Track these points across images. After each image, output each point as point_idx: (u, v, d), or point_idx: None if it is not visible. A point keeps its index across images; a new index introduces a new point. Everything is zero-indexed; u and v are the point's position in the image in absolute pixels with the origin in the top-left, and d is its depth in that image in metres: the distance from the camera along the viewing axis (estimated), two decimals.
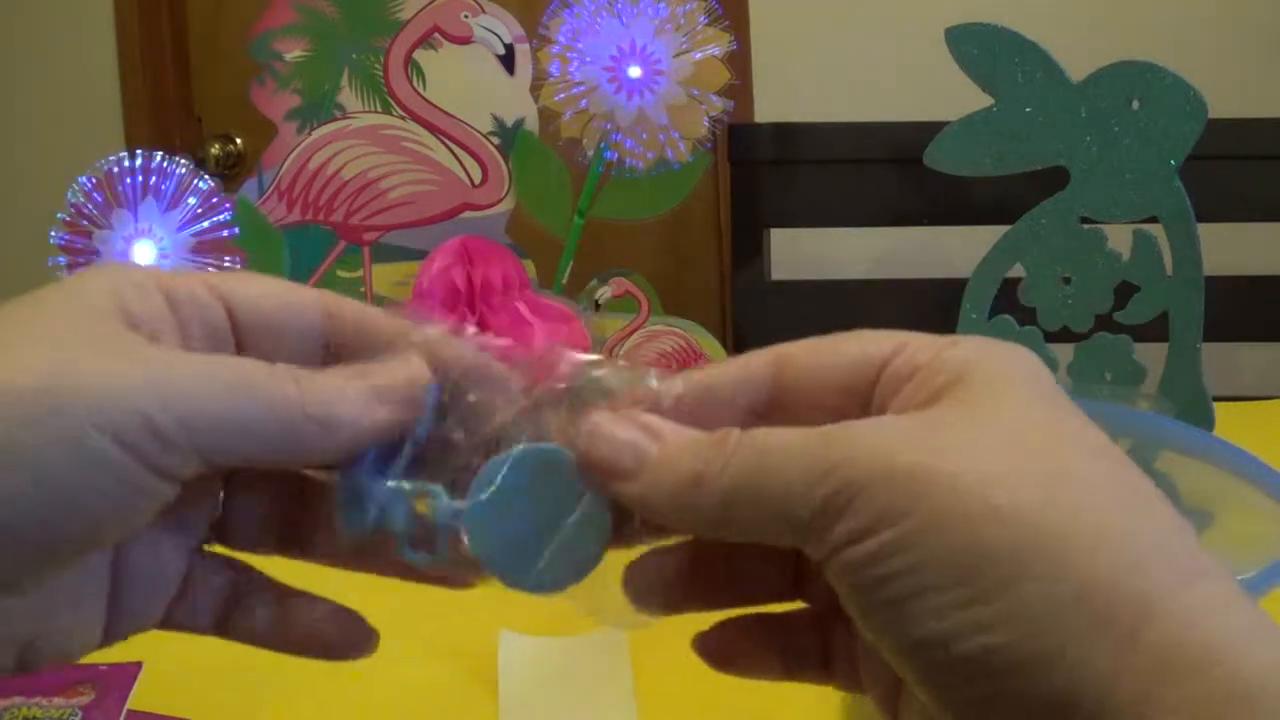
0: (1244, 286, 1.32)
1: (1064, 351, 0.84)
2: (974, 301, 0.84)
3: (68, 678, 0.67)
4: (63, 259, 0.93)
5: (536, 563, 0.32)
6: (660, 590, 0.33)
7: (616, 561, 0.33)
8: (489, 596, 0.34)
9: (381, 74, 1.01)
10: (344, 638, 0.34)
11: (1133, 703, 0.25)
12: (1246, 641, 0.25)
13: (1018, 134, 0.81)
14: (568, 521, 0.32)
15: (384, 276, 1.03)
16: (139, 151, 0.95)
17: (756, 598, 0.34)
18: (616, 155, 0.99)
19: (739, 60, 1.66)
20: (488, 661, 0.67)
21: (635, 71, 0.97)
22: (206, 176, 0.96)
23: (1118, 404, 0.78)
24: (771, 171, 1.43)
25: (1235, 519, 0.62)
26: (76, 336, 0.29)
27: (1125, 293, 0.81)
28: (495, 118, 1.02)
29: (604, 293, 1.01)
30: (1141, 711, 0.25)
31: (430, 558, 0.32)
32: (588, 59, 0.97)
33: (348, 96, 1.01)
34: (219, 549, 0.34)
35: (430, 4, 1.00)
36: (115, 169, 0.93)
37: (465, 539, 0.32)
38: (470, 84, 1.02)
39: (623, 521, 0.32)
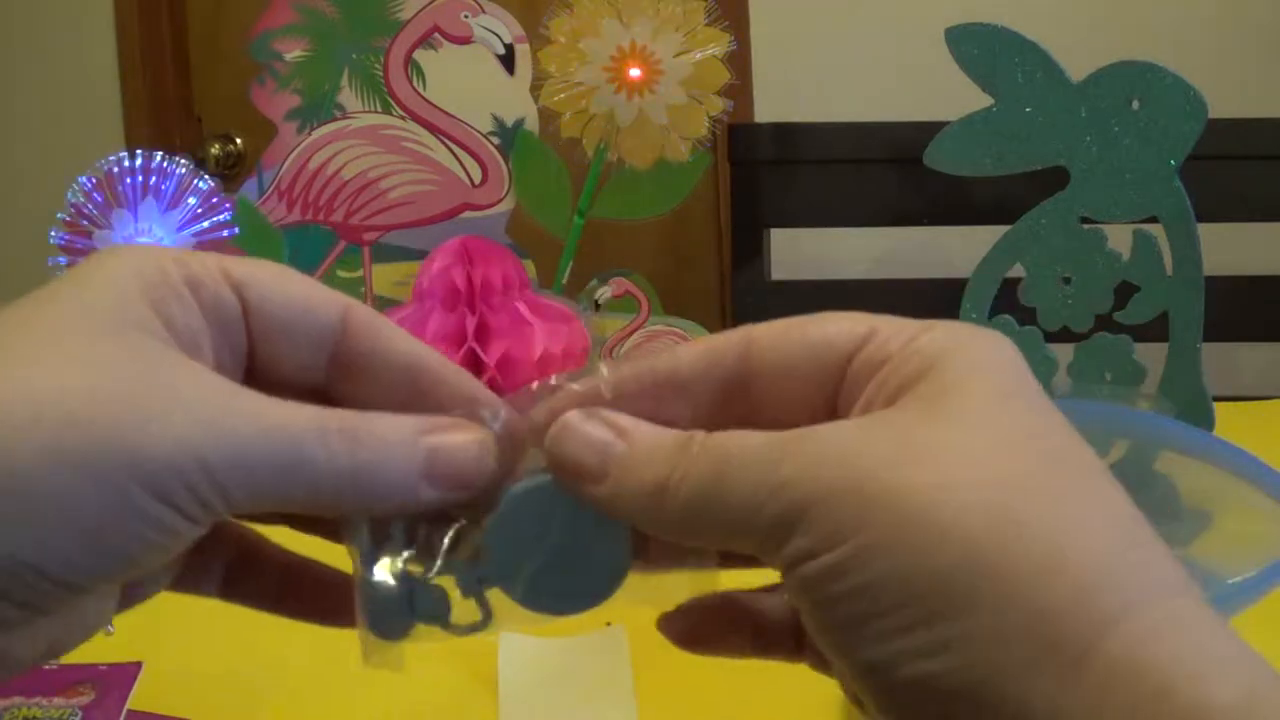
0: (1244, 286, 1.32)
1: (1064, 351, 0.84)
2: (974, 301, 0.84)
3: (68, 678, 0.67)
4: (63, 259, 0.93)
5: (571, 588, 0.32)
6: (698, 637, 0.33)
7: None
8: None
9: (381, 74, 1.01)
10: (346, 605, 0.34)
11: None
12: (1202, 671, 0.25)
13: (1018, 134, 0.81)
14: (589, 540, 0.31)
15: (384, 276, 1.03)
16: (139, 151, 0.95)
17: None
18: (616, 155, 0.99)
19: (739, 60, 1.66)
20: (488, 661, 0.67)
21: (635, 72, 0.97)
22: (206, 176, 0.96)
23: (1118, 404, 0.78)
24: (771, 171, 1.43)
25: (1235, 519, 0.62)
26: (110, 349, 0.28)
27: (1125, 293, 0.82)
28: (495, 118, 1.02)
29: (604, 293, 1.01)
30: None
31: (477, 627, 0.32)
32: (588, 59, 0.97)
33: (348, 96, 1.01)
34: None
35: (430, 4, 1.00)
36: (115, 169, 0.93)
37: (501, 591, 0.32)
38: (470, 84, 1.02)
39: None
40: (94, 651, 0.70)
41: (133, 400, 0.27)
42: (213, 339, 0.31)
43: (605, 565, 0.32)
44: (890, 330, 0.30)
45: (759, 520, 0.28)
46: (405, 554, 0.32)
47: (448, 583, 0.32)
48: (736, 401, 0.31)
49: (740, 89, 1.38)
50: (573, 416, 0.31)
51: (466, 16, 1.00)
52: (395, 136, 1.01)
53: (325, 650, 0.71)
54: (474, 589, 0.32)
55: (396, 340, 0.32)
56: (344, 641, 0.61)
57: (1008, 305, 0.84)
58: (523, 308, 0.93)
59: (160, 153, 0.95)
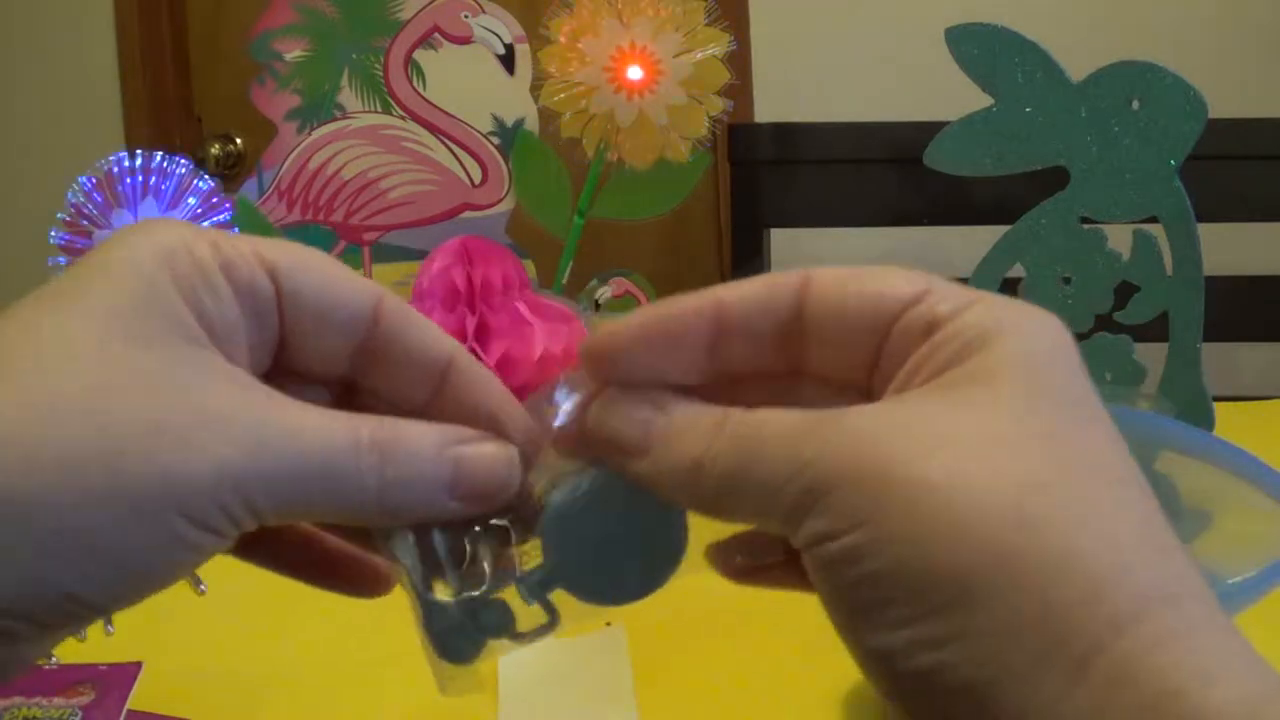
0: (1244, 286, 1.32)
1: None
2: None
3: (68, 678, 0.67)
4: (63, 259, 0.93)
5: (632, 577, 0.32)
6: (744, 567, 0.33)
7: None
8: None
9: (381, 74, 1.01)
10: (359, 572, 0.34)
11: None
12: (1210, 674, 0.24)
13: (1018, 134, 0.81)
14: (645, 528, 0.31)
15: (384, 276, 1.03)
16: (139, 151, 0.95)
17: None
18: (616, 155, 0.99)
19: (739, 60, 1.66)
20: (488, 662, 0.67)
21: (635, 71, 0.97)
22: (206, 176, 0.96)
23: (1118, 404, 0.78)
24: (771, 171, 1.43)
25: (1235, 519, 0.62)
26: (141, 361, 0.28)
27: (1125, 293, 0.82)
28: (495, 118, 1.02)
29: (604, 293, 1.01)
30: None
31: (545, 629, 0.32)
32: (588, 59, 0.97)
33: (348, 96, 1.01)
34: None
35: (430, 4, 1.00)
36: (115, 169, 0.93)
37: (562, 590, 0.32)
38: (470, 84, 1.02)
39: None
40: (94, 651, 0.70)
41: (170, 427, 0.27)
42: (246, 328, 0.30)
43: (664, 550, 0.32)
44: (942, 294, 0.29)
45: (782, 499, 0.28)
46: (458, 573, 0.32)
47: (507, 592, 0.32)
48: (790, 344, 0.31)
49: (740, 89, 1.38)
50: (615, 393, 0.31)
51: (466, 16, 1.00)
52: (395, 136, 1.01)
53: (325, 650, 0.71)
54: (537, 594, 0.32)
55: (427, 335, 0.32)
56: (344, 641, 0.61)
57: None
58: (523, 308, 0.93)
59: (160, 153, 0.95)
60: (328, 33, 1.01)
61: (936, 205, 1.36)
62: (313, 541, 0.35)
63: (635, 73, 0.97)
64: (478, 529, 0.32)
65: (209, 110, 1.97)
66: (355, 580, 0.35)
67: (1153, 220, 0.81)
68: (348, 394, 0.33)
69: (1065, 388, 0.28)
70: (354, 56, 1.01)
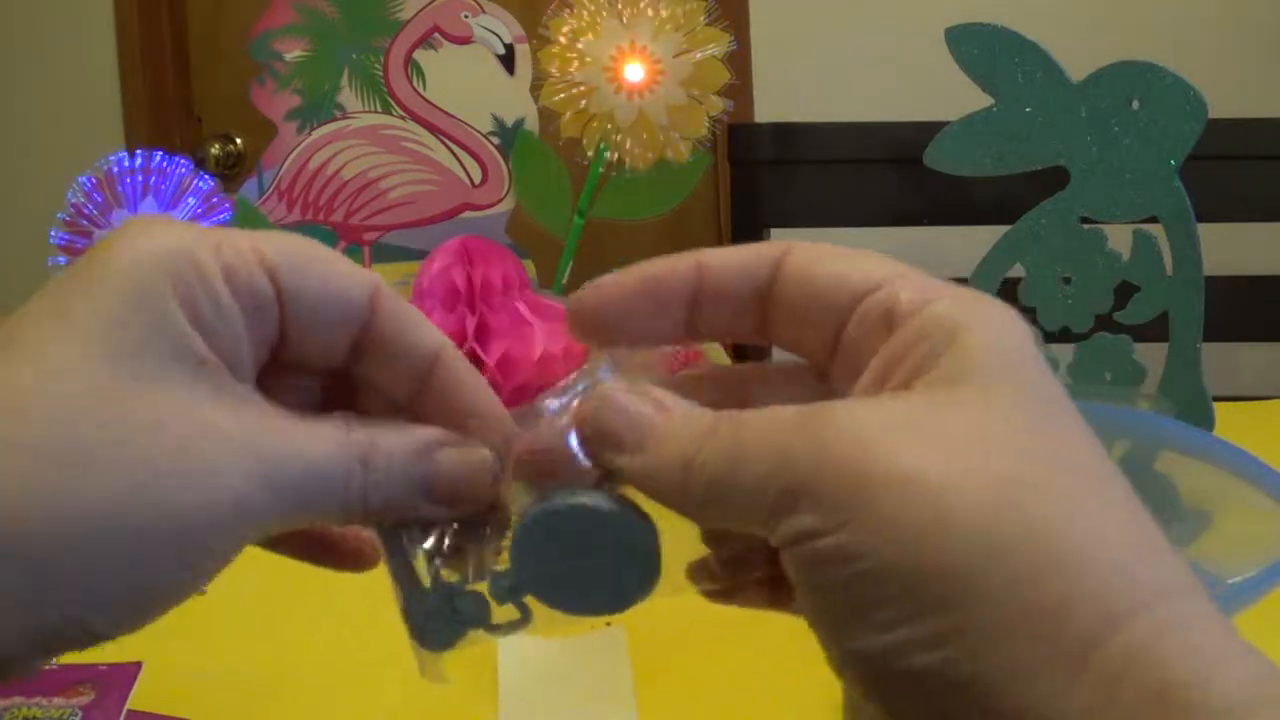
0: (1244, 286, 1.32)
1: (1064, 351, 0.84)
2: None
3: (68, 678, 0.67)
4: (63, 259, 0.93)
5: (603, 593, 0.32)
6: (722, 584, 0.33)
7: None
8: None
9: (381, 74, 1.01)
10: (350, 545, 0.35)
11: None
12: (1211, 665, 0.24)
13: (1018, 134, 0.81)
14: (619, 548, 0.31)
15: (384, 276, 1.03)
16: (139, 151, 0.95)
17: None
18: (616, 155, 0.99)
19: (739, 60, 1.66)
20: (488, 661, 0.67)
21: (635, 72, 0.97)
22: (206, 176, 0.96)
23: (1118, 404, 0.78)
24: (771, 171, 1.43)
25: (1235, 519, 0.62)
26: (145, 394, 0.28)
27: (1125, 293, 0.82)
28: (495, 118, 1.02)
29: None
30: None
31: (517, 625, 0.32)
32: (588, 59, 0.97)
33: (348, 96, 1.01)
34: None
35: (430, 4, 1.00)
36: (115, 169, 0.93)
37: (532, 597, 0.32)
38: (470, 84, 1.02)
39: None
40: (94, 651, 0.70)
41: (186, 469, 0.28)
42: (248, 336, 0.30)
43: (634, 573, 0.32)
44: (901, 285, 0.29)
45: (765, 498, 0.27)
46: (439, 564, 0.32)
47: (484, 586, 0.32)
48: (766, 313, 0.31)
49: (740, 89, 1.38)
50: (614, 389, 0.31)
51: (466, 16, 1.00)
52: (395, 136, 1.01)
53: (325, 650, 0.71)
54: (507, 596, 0.32)
55: (420, 331, 0.32)
56: (344, 641, 0.61)
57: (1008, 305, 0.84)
58: (523, 308, 0.93)
59: (160, 153, 0.95)
60: (328, 33, 1.01)
61: (936, 205, 1.36)
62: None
63: (635, 73, 0.97)
64: (456, 524, 0.32)
65: (209, 110, 1.97)
66: (340, 554, 0.35)
67: (1153, 220, 0.81)
68: (339, 381, 0.33)
69: (1038, 385, 0.28)
70: (354, 56, 1.01)
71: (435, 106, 1.01)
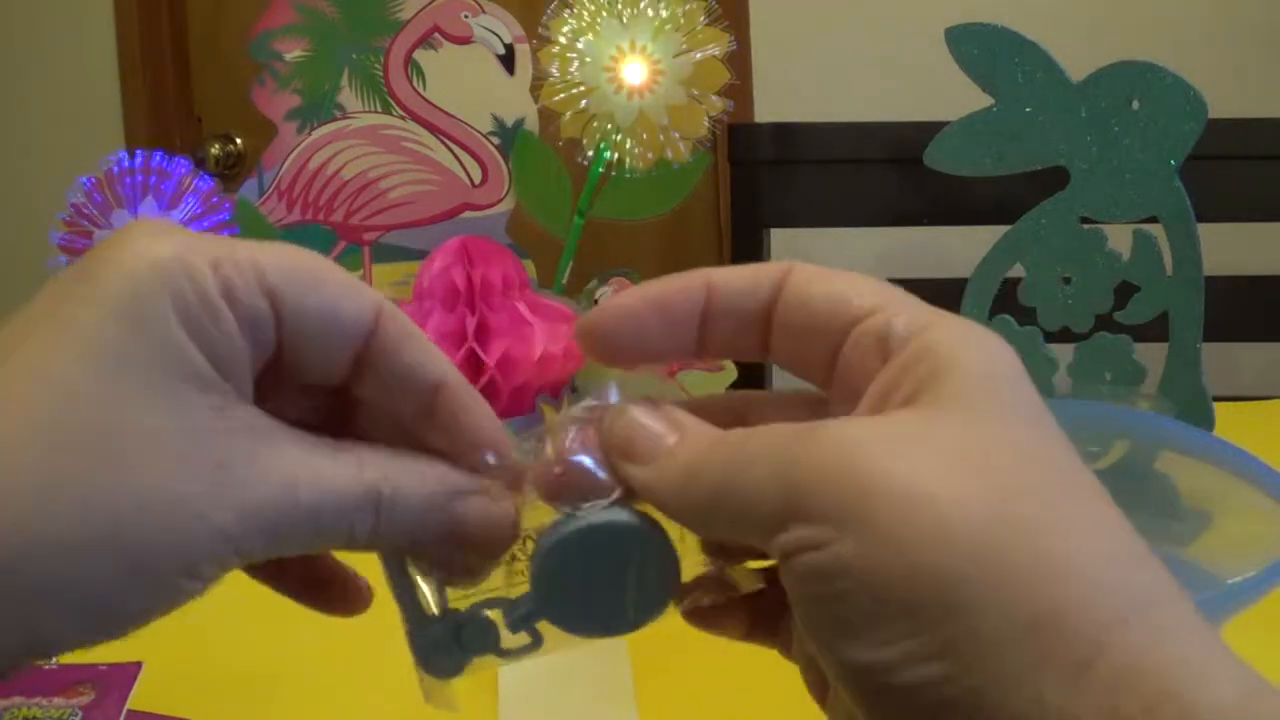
0: (1244, 286, 1.32)
1: (1064, 351, 0.84)
2: (974, 301, 0.84)
3: (68, 678, 0.67)
4: (63, 259, 0.93)
5: (616, 615, 0.32)
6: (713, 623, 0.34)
7: None
8: None
9: (381, 74, 1.01)
10: (341, 590, 0.35)
11: None
12: (1200, 675, 0.25)
13: (1018, 134, 0.81)
14: (631, 572, 0.31)
15: (384, 276, 1.03)
16: (139, 151, 0.95)
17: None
18: (616, 155, 0.99)
19: (739, 60, 1.66)
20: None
21: (635, 72, 0.97)
22: (206, 176, 0.96)
23: (1118, 404, 0.78)
24: (771, 171, 1.43)
25: (1235, 519, 0.62)
26: (147, 419, 0.27)
27: (1125, 293, 0.82)
28: (495, 118, 1.02)
29: (604, 293, 1.00)
30: None
31: (528, 649, 0.32)
32: (588, 59, 0.97)
33: (348, 96, 1.01)
34: None
35: (430, 4, 1.00)
36: (115, 169, 0.93)
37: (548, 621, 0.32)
38: (470, 84, 1.02)
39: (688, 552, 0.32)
40: (94, 651, 0.70)
41: (179, 495, 0.27)
42: (248, 355, 0.30)
43: (651, 592, 0.32)
44: (896, 310, 0.30)
45: (763, 507, 0.27)
46: (443, 594, 0.32)
47: (496, 614, 0.32)
48: (764, 329, 0.32)
49: (740, 89, 1.38)
50: (635, 403, 0.32)
51: (466, 16, 1.00)
52: (395, 136, 1.01)
53: (325, 651, 0.71)
54: (521, 625, 0.32)
55: (423, 355, 0.32)
56: (344, 642, 0.61)
57: (1008, 305, 0.84)
58: (523, 308, 0.93)
59: (160, 153, 0.95)
60: (328, 33, 1.01)
61: (936, 205, 1.36)
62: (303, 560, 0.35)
63: (635, 73, 0.97)
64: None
65: (209, 110, 1.97)
66: (329, 598, 0.35)
67: (1153, 220, 0.81)
68: (340, 397, 0.33)
69: (1029, 407, 0.29)
70: (354, 56, 1.01)
71: (435, 106, 1.01)
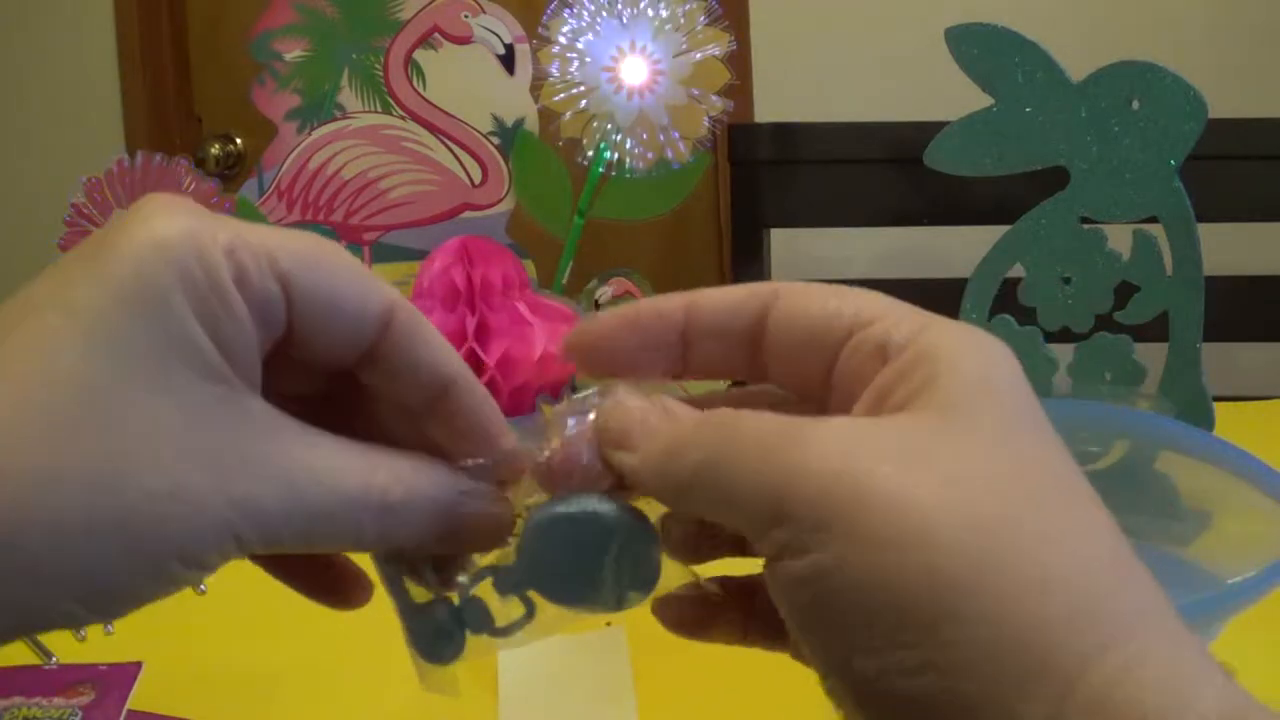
0: (1244, 286, 1.32)
1: (1064, 351, 0.84)
2: (974, 301, 0.84)
3: (68, 678, 0.67)
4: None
5: (602, 592, 0.32)
6: (689, 622, 0.34)
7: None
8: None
9: (381, 74, 1.01)
10: (341, 580, 0.35)
11: None
12: (1187, 692, 0.24)
13: (1018, 134, 0.81)
14: (617, 545, 0.32)
15: (384, 276, 1.03)
16: (139, 151, 0.95)
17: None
18: (616, 155, 0.99)
19: (739, 60, 1.66)
20: (488, 661, 0.67)
21: (635, 72, 0.97)
22: (206, 176, 0.96)
23: (1118, 404, 0.78)
24: (771, 171, 1.43)
25: (1235, 519, 0.62)
26: (152, 408, 0.27)
27: (1125, 293, 0.82)
28: (495, 118, 1.02)
29: (604, 293, 1.01)
30: None
31: (521, 623, 0.33)
32: (588, 59, 0.97)
33: (348, 96, 1.01)
34: None
35: (430, 4, 1.00)
36: (115, 169, 0.93)
37: (535, 596, 0.32)
38: (470, 84, 1.02)
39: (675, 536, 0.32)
40: (94, 651, 0.70)
41: (184, 491, 0.27)
42: (257, 343, 0.29)
43: (635, 576, 0.32)
44: (894, 319, 0.30)
45: (751, 504, 0.27)
46: (435, 576, 0.33)
47: (483, 590, 0.33)
48: (758, 351, 0.32)
49: (740, 89, 1.38)
50: (628, 395, 0.32)
51: (466, 16, 1.00)
52: (395, 136, 1.01)
53: (326, 649, 0.71)
54: (511, 590, 0.32)
55: (435, 351, 0.32)
56: (344, 642, 0.61)
57: (1008, 305, 0.84)
58: (523, 308, 0.93)
59: (160, 153, 0.95)
60: (328, 33, 1.01)
61: (936, 205, 1.36)
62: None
63: (635, 73, 0.97)
64: None
65: (209, 110, 1.97)
66: (334, 588, 0.35)
67: (1153, 220, 0.81)
68: (346, 378, 0.32)
69: (1026, 412, 0.28)
70: (354, 56, 1.01)
71: (435, 106, 1.01)
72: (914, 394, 0.28)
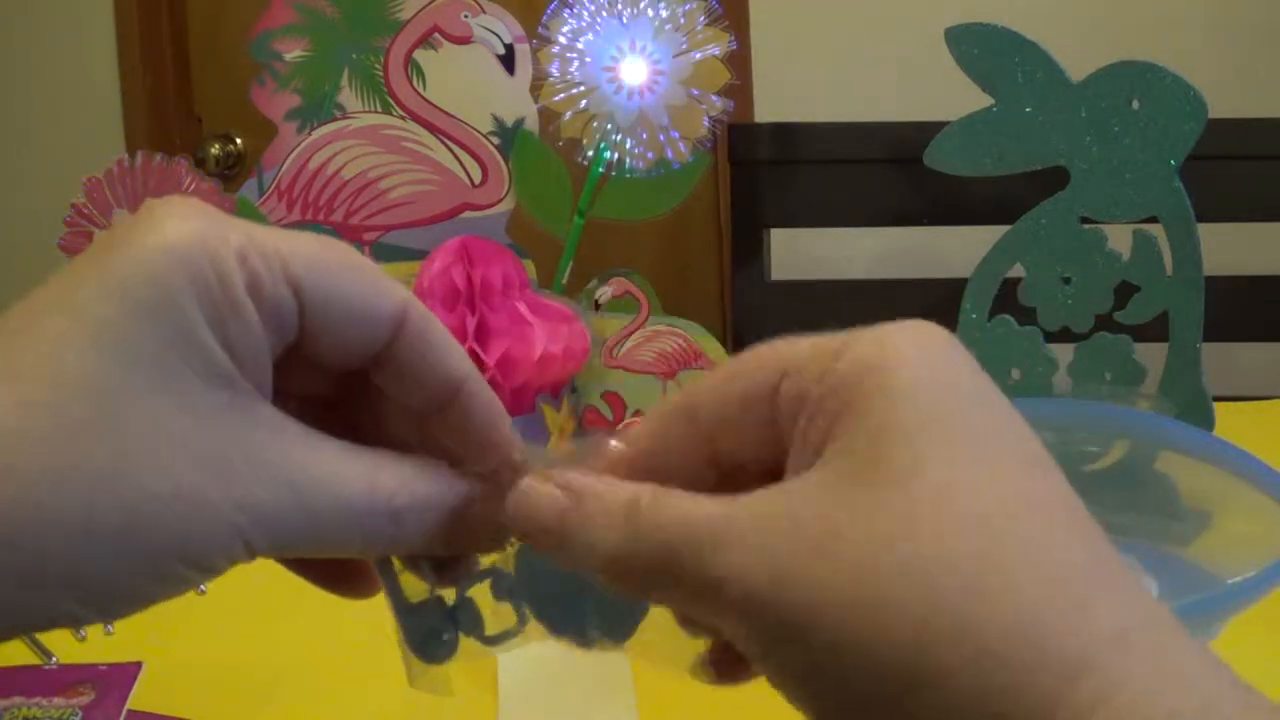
0: (1244, 286, 1.32)
1: (1064, 351, 0.84)
2: (974, 301, 0.84)
3: (68, 678, 0.67)
4: (63, 258, 0.93)
5: (586, 623, 0.32)
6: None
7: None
8: None
9: (381, 74, 1.01)
10: (349, 570, 0.34)
11: None
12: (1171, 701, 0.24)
13: (1018, 134, 0.81)
14: (593, 598, 0.32)
15: None
16: (139, 151, 0.95)
17: None
18: (616, 155, 0.99)
19: (739, 60, 1.66)
20: (488, 662, 0.67)
21: (635, 72, 0.97)
22: (206, 176, 0.96)
23: (1118, 404, 0.78)
24: (771, 171, 1.43)
25: (1235, 519, 0.62)
26: (169, 418, 0.27)
27: (1125, 293, 0.82)
28: (495, 118, 1.02)
29: (604, 293, 1.01)
30: None
31: (511, 633, 0.33)
32: (588, 59, 0.97)
33: (348, 96, 1.01)
34: None
35: (430, 4, 1.00)
36: (115, 169, 0.93)
37: (527, 610, 0.33)
38: (470, 84, 1.02)
39: None
40: (94, 651, 0.70)
41: (195, 497, 0.27)
42: (268, 349, 0.29)
43: (619, 610, 0.32)
44: (803, 362, 0.28)
45: (701, 608, 0.28)
46: (432, 577, 0.33)
47: (478, 594, 0.33)
48: (706, 448, 0.31)
49: (740, 89, 1.38)
50: (529, 481, 0.30)
51: (466, 16, 1.00)
52: (395, 136, 1.01)
53: (326, 650, 0.71)
54: (506, 595, 0.33)
55: (447, 355, 0.31)
56: (344, 641, 0.61)
57: (1008, 305, 0.84)
58: (523, 308, 0.93)
59: (160, 153, 0.95)
60: (328, 33, 1.01)
61: (936, 205, 1.36)
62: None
63: (635, 73, 0.97)
64: None
65: (209, 110, 1.97)
66: (343, 577, 0.35)
67: (1153, 220, 0.81)
68: (354, 376, 0.32)
69: (974, 425, 0.27)
70: (354, 56, 1.01)
71: (435, 106, 1.01)
72: (827, 436, 0.27)
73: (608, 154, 0.99)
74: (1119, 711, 0.24)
